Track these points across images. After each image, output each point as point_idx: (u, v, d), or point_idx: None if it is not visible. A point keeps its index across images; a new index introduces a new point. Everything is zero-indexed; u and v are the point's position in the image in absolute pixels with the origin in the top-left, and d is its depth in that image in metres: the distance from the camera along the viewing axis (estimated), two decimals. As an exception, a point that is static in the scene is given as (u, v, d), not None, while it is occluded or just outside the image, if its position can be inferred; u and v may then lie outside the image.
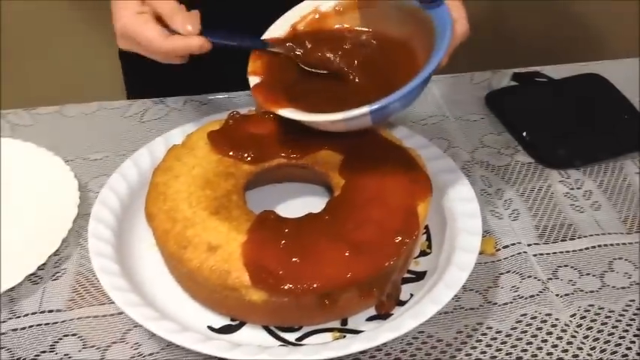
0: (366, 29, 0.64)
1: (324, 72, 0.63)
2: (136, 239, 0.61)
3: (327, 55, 0.63)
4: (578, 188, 0.71)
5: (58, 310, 0.58)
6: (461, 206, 0.62)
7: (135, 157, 0.67)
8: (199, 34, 0.58)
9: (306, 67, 0.63)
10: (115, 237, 0.59)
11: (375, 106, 0.52)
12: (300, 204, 0.65)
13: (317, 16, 0.64)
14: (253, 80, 0.60)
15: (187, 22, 0.58)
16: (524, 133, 0.77)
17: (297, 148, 0.63)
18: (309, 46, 0.63)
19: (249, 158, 0.61)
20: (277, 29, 0.63)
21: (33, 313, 0.57)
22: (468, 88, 0.86)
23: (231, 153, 0.61)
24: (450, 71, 0.89)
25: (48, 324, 0.57)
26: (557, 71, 0.86)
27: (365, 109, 0.53)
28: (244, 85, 0.79)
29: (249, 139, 0.62)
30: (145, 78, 0.89)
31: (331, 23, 0.64)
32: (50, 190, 0.67)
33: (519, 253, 0.64)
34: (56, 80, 1.40)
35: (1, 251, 0.62)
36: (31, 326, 0.56)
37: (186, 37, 0.58)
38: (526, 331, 0.57)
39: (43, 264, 0.60)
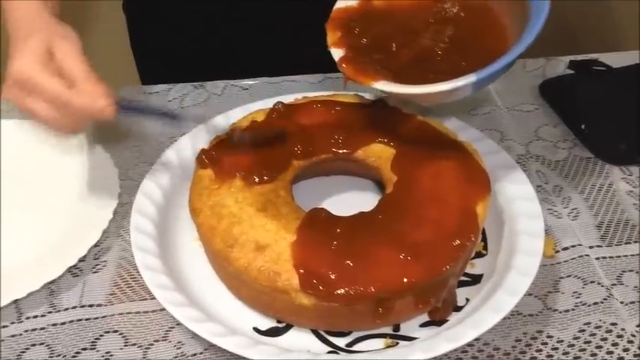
0: None
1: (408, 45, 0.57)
2: (178, 233, 0.59)
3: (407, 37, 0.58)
4: (642, 186, 0.67)
5: (99, 305, 0.56)
6: (520, 205, 0.58)
7: (177, 145, 0.64)
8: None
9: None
10: (157, 231, 0.57)
11: (481, 75, 0.49)
12: (348, 199, 0.62)
13: None
14: (337, 53, 0.55)
15: (98, 85, 0.52)
16: (583, 126, 0.73)
17: (347, 141, 0.60)
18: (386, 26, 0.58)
19: (297, 151, 0.58)
20: None
21: (73, 307, 0.56)
22: (520, 76, 0.82)
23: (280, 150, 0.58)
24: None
25: (89, 319, 0.55)
26: (617, 59, 0.81)
27: (472, 78, 0.49)
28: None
29: (296, 131, 0.59)
30: (161, 65, 0.87)
31: None
32: (91, 179, 0.65)
33: (581, 256, 0.60)
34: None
35: (41, 242, 0.60)
36: (71, 321, 0.55)
37: (92, 94, 0.51)
38: (590, 342, 0.54)
39: (84, 256, 0.58)
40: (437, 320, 0.53)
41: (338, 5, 0.58)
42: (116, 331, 0.54)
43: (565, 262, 0.60)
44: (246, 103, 0.73)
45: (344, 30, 0.57)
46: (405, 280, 0.48)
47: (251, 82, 0.81)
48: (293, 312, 0.50)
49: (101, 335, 0.54)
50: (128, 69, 0.96)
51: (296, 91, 0.72)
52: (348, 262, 0.48)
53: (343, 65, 0.54)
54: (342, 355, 0.50)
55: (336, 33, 0.56)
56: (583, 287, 0.58)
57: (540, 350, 0.53)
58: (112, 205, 0.62)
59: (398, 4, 0.59)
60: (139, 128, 0.73)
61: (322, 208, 0.54)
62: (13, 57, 0.52)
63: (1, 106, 0.74)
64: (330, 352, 0.51)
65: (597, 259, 0.60)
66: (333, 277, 0.48)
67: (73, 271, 0.58)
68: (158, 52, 0.91)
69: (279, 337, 0.52)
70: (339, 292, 0.47)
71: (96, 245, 0.60)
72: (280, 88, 0.80)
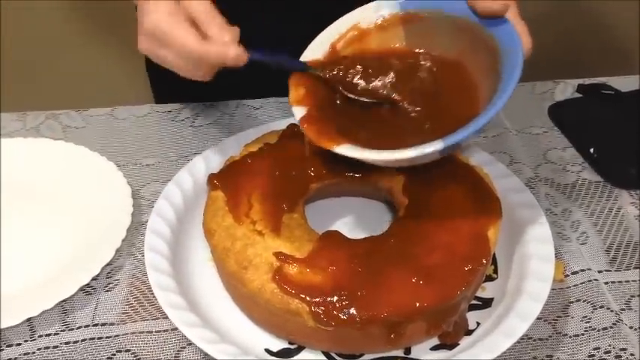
0: (416, 49, 0.57)
1: (373, 100, 0.57)
2: (191, 253, 0.60)
3: (376, 82, 0.57)
4: (651, 211, 0.68)
5: (112, 324, 0.56)
6: (531, 230, 0.58)
7: (190, 166, 0.65)
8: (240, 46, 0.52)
9: (351, 95, 0.56)
10: (170, 250, 0.57)
11: (448, 141, 0.47)
12: (360, 220, 0.63)
13: (356, 33, 0.57)
14: (299, 112, 0.53)
15: (225, 31, 0.52)
16: (592, 150, 0.73)
17: (360, 164, 0.60)
18: (355, 71, 0.56)
19: (311, 173, 0.59)
20: (316, 49, 0.56)
21: (86, 326, 0.56)
22: (529, 98, 0.83)
23: (294, 173, 0.58)
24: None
25: (101, 338, 0.55)
26: (625, 83, 0.82)
27: (438, 145, 0.47)
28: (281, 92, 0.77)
29: (310, 154, 0.60)
30: (173, 85, 0.87)
31: (373, 41, 0.57)
32: (103, 197, 0.66)
33: (590, 281, 0.60)
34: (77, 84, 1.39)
35: (54, 261, 0.60)
36: (84, 340, 0.55)
37: (222, 44, 0.52)
38: (600, 367, 0.54)
39: (97, 275, 0.59)
40: (448, 344, 0.53)
41: (304, 58, 0.56)
42: (128, 350, 0.54)
43: (575, 286, 0.60)
44: (257, 123, 0.74)
45: (308, 86, 0.55)
46: (418, 304, 0.48)
47: (263, 102, 0.82)
48: (305, 334, 0.51)
49: (113, 355, 0.54)
50: (143, 86, 0.97)
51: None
52: (361, 285, 0.49)
53: (305, 126, 0.52)
54: (353, 377, 0.50)
55: (300, 89, 0.55)
56: (592, 312, 0.58)
57: (551, 375, 0.53)
58: (126, 223, 0.62)
59: (367, 55, 0.57)
60: (152, 145, 0.74)
61: (336, 231, 0.54)
62: (148, 11, 0.52)
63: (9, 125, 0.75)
64: (341, 375, 0.51)
65: (606, 283, 0.60)
66: (345, 300, 0.48)
67: (86, 289, 0.59)
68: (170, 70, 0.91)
69: (291, 359, 0.52)
70: (351, 315, 0.47)
71: (109, 264, 0.61)
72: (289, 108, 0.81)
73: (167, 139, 0.76)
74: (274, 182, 0.58)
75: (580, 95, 0.82)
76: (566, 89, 0.84)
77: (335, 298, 0.48)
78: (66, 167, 0.69)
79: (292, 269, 0.50)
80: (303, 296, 0.48)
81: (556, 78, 0.86)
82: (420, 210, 0.55)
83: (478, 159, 0.65)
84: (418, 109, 0.56)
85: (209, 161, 0.65)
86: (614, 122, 0.78)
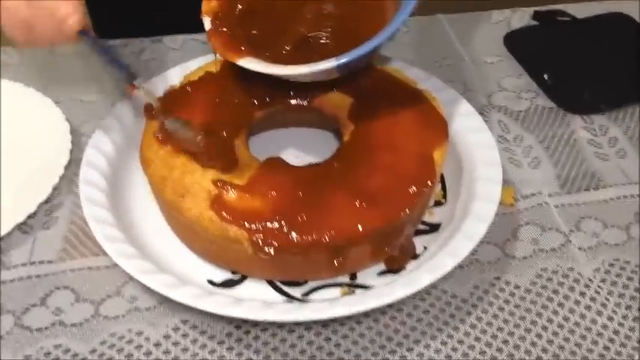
0: None
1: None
2: (131, 187, 0.57)
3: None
4: (603, 135, 0.67)
5: (50, 262, 0.54)
6: (479, 153, 0.57)
7: (130, 98, 0.62)
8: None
9: None
10: (108, 184, 0.55)
11: (342, 60, 0.48)
12: (307, 150, 0.61)
13: None
14: (207, 23, 0.54)
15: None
16: (546, 76, 0.72)
17: (304, 91, 0.58)
18: None
19: (254, 101, 0.56)
20: None
21: (23, 265, 0.54)
22: (485, 27, 0.81)
23: (236, 101, 0.56)
24: (465, 9, 0.84)
25: (39, 276, 0.53)
26: (581, 10, 0.81)
27: (332, 63, 0.48)
28: None
29: (253, 82, 0.58)
30: (115, 19, 0.83)
31: None
32: (40, 134, 0.63)
33: (540, 204, 0.60)
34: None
35: (-12, 199, 0.58)
36: (20, 278, 0.53)
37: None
38: (546, 287, 0.54)
39: (34, 212, 0.57)
40: (394, 269, 0.52)
41: None
42: (67, 287, 0.53)
43: (525, 210, 0.59)
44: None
45: None
46: (360, 227, 0.47)
47: (210, 36, 0.78)
48: (246, 262, 0.49)
49: (51, 291, 0.52)
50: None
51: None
52: (302, 210, 0.47)
53: (212, 38, 0.53)
54: (297, 303, 0.49)
55: (211, 1, 0.54)
56: (541, 234, 0.57)
57: (497, 296, 0.53)
58: (63, 160, 0.60)
59: None
60: (93, 81, 0.71)
61: (278, 158, 0.53)
62: None
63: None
64: (284, 302, 0.50)
65: (556, 206, 0.60)
66: (286, 225, 0.47)
67: (23, 228, 0.57)
68: (117, 5, 0.87)
69: (234, 289, 0.51)
70: (292, 240, 0.46)
71: (47, 202, 0.58)
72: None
73: (109, 75, 0.73)
74: (214, 111, 0.55)
75: (536, 23, 0.81)
76: (523, 18, 0.82)
77: (274, 224, 0.47)
78: (2, 104, 0.66)
79: (231, 196, 0.48)
80: (242, 222, 0.47)
81: (514, 6, 0.84)
82: (365, 134, 0.54)
83: (429, 85, 0.63)
84: (330, 34, 0.55)
85: (151, 92, 0.62)
86: (569, 49, 0.77)
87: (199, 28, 0.78)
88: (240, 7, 0.55)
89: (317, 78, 0.53)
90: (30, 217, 0.57)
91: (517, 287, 0.54)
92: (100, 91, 0.70)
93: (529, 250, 0.56)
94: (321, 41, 0.54)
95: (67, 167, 0.60)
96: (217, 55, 0.54)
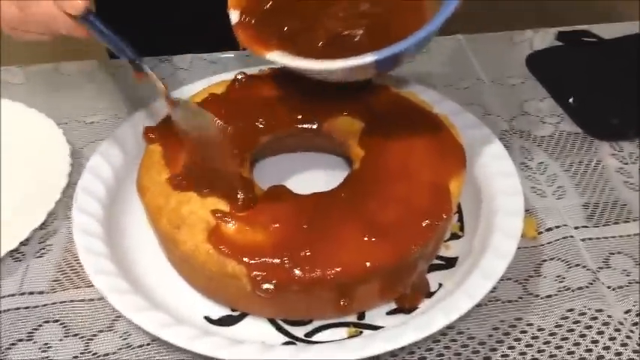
0: None
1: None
2: (129, 215, 0.54)
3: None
4: (633, 163, 0.63)
5: (40, 292, 0.51)
6: (499, 182, 0.53)
7: (133, 120, 0.59)
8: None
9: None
10: (104, 212, 0.52)
11: (382, 55, 0.44)
12: (314, 177, 0.58)
13: None
14: (235, 15, 0.50)
15: None
16: (571, 100, 0.68)
17: (312, 113, 0.55)
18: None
19: (260, 126, 0.53)
20: None
21: (12, 295, 0.51)
22: (506, 48, 0.78)
23: (240, 125, 0.53)
24: (486, 29, 0.80)
25: (28, 307, 0.50)
26: (608, 30, 0.77)
27: (370, 57, 0.44)
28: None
29: (259, 104, 0.55)
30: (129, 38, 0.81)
31: None
32: (40, 156, 0.61)
33: (565, 238, 0.55)
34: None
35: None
36: (7, 310, 0.50)
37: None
38: (573, 330, 0.49)
39: (27, 239, 0.54)
40: (406, 308, 0.48)
41: None
42: (57, 321, 0.50)
43: (548, 243, 0.55)
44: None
45: None
46: (368, 263, 0.43)
47: (221, 56, 0.76)
48: (246, 300, 0.46)
49: (40, 325, 0.49)
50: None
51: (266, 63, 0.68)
52: (306, 244, 0.44)
53: (239, 30, 0.49)
54: (299, 345, 0.45)
55: None
56: (567, 271, 0.53)
57: (519, 339, 0.49)
58: (61, 185, 0.57)
59: None
60: (98, 102, 0.69)
61: (282, 186, 0.49)
62: None
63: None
64: (286, 343, 0.46)
65: (583, 240, 0.56)
66: (288, 260, 0.43)
67: (15, 255, 0.54)
68: (125, 23, 0.85)
69: (232, 327, 0.47)
70: (294, 276, 0.43)
71: (41, 228, 0.56)
72: (249, 60, 0.75)
73: (115, 95, 0.71)
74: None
75: (560, 44, 0.77)
76: (545, 38, 0.79)
77: (275, 259, 0.43)
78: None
79: (230, 228, 0.45)
80: (240, 257, 0.43)
81: (536, 27, 0.81)
82: (376, 162, 0.50)
83: (446, 109, 0.59)
84: (366, 31, 0.51)
85: (154, 114, 0.59)
86: (595, 71, 0.73)
87: (209, 47, 0.77)
88: (270, 1, 0.51)
89: (351, 76, 0.49)
90: (23, 243, 0.54)
91: (540, 330, 0.49)
92: (105, 112, 0.68)
93: (553, 289, 0.52)
94: (355, 39, 0.50)
95: (64, 192, 0.57)
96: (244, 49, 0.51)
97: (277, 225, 0.45)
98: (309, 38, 0.49)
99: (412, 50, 0.46)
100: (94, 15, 0.49)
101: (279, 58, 0.47)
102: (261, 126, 0.54)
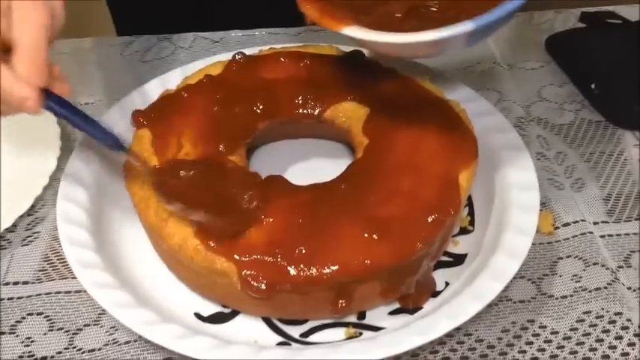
0: None
1: None
2: (118, 204, 0.51)
3: None
4: (658, 154, 0.59)
5: (25, 283, 0.49)
6: (514, 174, 0.50)
7: (124, 102, 0.56)
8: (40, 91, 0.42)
9: None
10: (91, 200, 0.49)
11: (480, 22, 0.40)
12: (316, 166, 0.54)
13: None
14: None
15: (37, 68, 0.41)
16: (593, 86, 0.65)
17: (314, 99, 0.51)
18: None
19: (257, 111, 0.50)
20: None
21: (-5, 285, 0.49)
22: (525, 30, 0.74)
23: (237, 110, 0.49)
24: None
25: (12, 299, 0.48)
26: (634, 12, 0.73)
27: (468, 26, 0.40)
28: (258, 22, 0.68)
29: (258, 87, 0.51)
30: (137, 14, 0.78)
31: None
32: (26, 139, 0.58)
33: (583, 234, 0.52)
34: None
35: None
36: (-9, 301, 0.48)
37: (17, 78, 0.41)
38: (589, 334, 0.46)
39: (13, 225, 0.52)
40: (409, 308, 0.45)
41: None
42: (41, 314, 0.47)
43: (565, 240, 0.52)
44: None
45: None
46: (368, 262, 0.40)
47: (223, 35, 0.73)
48: (237, 298, 0.43)
49: (23, 318, 0.47)
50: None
51: (273, 44, 0.64)
52: (301, 241, 0.41)
53: (306, 4, 0.45)
54: (294, 346, 0.43)
55: None
56: (584, 270, 0.50)
57: (531, 343, 0.46)
58: (49, 169, 0.55)
59: None
60: (90, 83, 0.66)
61: (279, 176, 0.46)
62: None
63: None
64: (280, 344, 0.43)
65: (602, 236, 0.52)
66: (281, 258, 0.40)
67: (1, 243, 0.52)
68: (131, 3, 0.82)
69: (224, 325, 0.45)
70: (287, 276, 0.40)
71: (29, 214, 0.53)
72: (255, 40, 0.72)
73: (112, 75, 0.68)
74: (211, 120, 0.49)
75: (583, 26, 0.73)
76: (568, 19, 0.75)
77: (268, 257, 0.40)
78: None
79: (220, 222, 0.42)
80: (231, 254, 0.40)
81: (558, 7, 0.76)
82: (380, 151, 0.47)
83: (458, 95, 0.56)
84: (436, 3, 0.46)
85: (147, 96, 0.56)
86: (619, 55, 0.69)
87: (216, 25, 0.74)
88: None
89: (435, 51, 0.46)
90: (9, 230, 0.52)
91: (554, 333, 0.46)
92: (98, 93, 0.65)
93: (569, 289, 0.49)
94: (432, 9, 0.45)
95: (53, 176, 0.55)
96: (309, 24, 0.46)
97: (271, 219, 0.42)
98: (384, 11, 0.44)
99: (503, 20, 0.42)
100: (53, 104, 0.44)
101: (359, 33, 0.43)
102: (259, 111, 0.51)
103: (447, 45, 0.43)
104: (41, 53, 0.42)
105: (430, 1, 0.45)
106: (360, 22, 0.43)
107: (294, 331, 0.44)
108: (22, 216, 0.52)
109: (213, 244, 0.41)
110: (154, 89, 0.57)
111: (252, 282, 0.39)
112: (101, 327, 0.46)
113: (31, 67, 0.42)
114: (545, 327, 0.47)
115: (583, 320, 0.47)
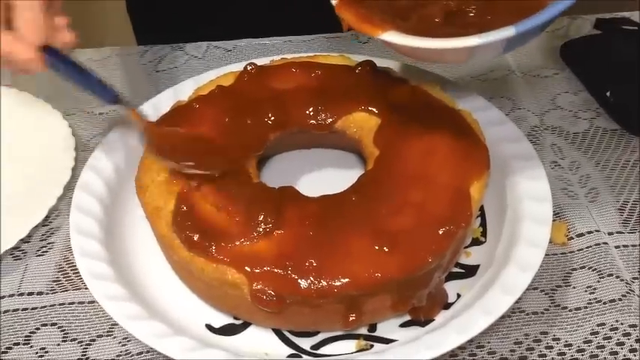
0: None
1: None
2: (131, 215, 0.52)
3: None
4: (675, 163, 0.58)
5: (40, 293, 0.50)
6: (526, 185, 0.49)
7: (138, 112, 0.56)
8: (40, 49, 0.44)
9: None
10: (104, 212, 0.50)
11: (523, 28, 0.39)
12: (327, 177, 0.54)
13: None
14: None
15: (33, 25, 0.43)
16: (608, 93, 0.64)
17: (325, 110, 0.51)
18: None
19: (269, 121, 0.50)
20: None
21: (10, 296, 0.49)
22: (539, 36, 0.72)
23: (248, 121, 0.50)
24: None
25: (26, 309, 0.49)
26: (651, 18, 0.72)
27: (510, 31, 0.39)
28: (276, 30, 0.68)
29: (269, 98, 0.51)
30: (157, 24, 0.79)
31: None
32: (42, 150, 0.59)
33: (597, 244, 0.51)
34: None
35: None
36: (6, 311, 0.48)
37: (16, 39, 0.43)
38: (603, 347, 0.45)
39: (28, 236, 0.52)
40: (421, 320, 0.45)
41: None
42: (55, 325, 0.48)
43: (579, 251, 0.51)
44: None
45: None
46: (379, 275, 0.40)
47: (236, 43, 0.73)
48: (249, 309, 0.43)
49: (37, 328, 0.47)
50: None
51: (286, 53, 0.64)
52: (311, 253, 0.41)
53: (342, 10, 0.44)
54: (305, 358, 0.43)
55: None
56: (599, 281, 0.49)
57: (544, 355, 0.45)
58: (63, 180, 0.55)
59: None
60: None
61: (290, 187, 0.46)
62: None
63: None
64: (291, 355, 0.43)
65: (617, 247, 0.51)
66: (291, 270, 0.40)
67: (15, 253, 0.52)
68: (150, 11, 0.83)
69: (235, 337, 0.45)
70: (297, 289, 0.40)
71: (44, 225, 0.54)
72: (268, 49, 0.72)
73: (126, 85, 0.68)
74: (223, 131, 0.49)
75: (598, 32, 0.72)
76: (582, 26, 0.74)
77: (278, 269, 0.40)
78: (4, 115, 0.62)
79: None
80: (241, 265, 0.40)
81: (573, 14, 0.76)
82: (391, 162, 0.47)
83: (470, 104, 0.55)
84: (480, 7, 0.45)
85: (160, 107, 0.57)
86: (635, 62, 0.67)
87: (234, 32, 0.74)
88: None
89: (474, 56, 0.44)
90: (24, 241, 0.52)
91: (568, 345, 0.46)
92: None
93: (583, 301, 0.48)
94: (470, 15, 0.45)
95: (68, 187, 0.55)
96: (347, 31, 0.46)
97: (281, 231, 0.42)
98: (423, 15, 0.44)
99: (544, 26, 0.41)
100: (56, 57, 0.46)
101: (400, 39, 0.42)
102: (270, 122, 0.51)
103: (485, 51, 0.42)
104: (36, 9, 0.43)
105: (467, 5, 0.45)
106: (398, 28, 0.43)
107: (305, 344, 0.44)
108: (36, 226, 0.52)
109: (224, 257, 0.41)
110: (166, 100, 0.57)
111: (263, 294, 0.39)
112: (114, 338, 0.47)
113: (26, 24, 0.43)
114: (558, 339, 0.46)
115: (597, 332, 0.46)
